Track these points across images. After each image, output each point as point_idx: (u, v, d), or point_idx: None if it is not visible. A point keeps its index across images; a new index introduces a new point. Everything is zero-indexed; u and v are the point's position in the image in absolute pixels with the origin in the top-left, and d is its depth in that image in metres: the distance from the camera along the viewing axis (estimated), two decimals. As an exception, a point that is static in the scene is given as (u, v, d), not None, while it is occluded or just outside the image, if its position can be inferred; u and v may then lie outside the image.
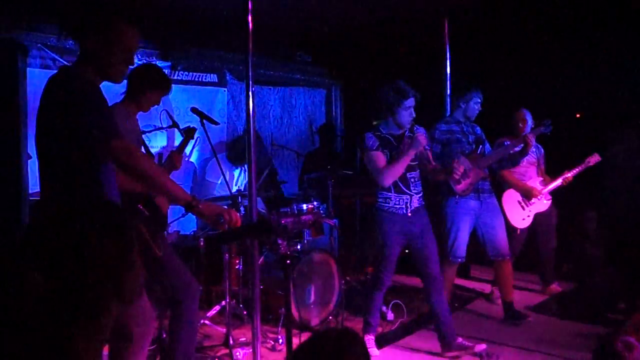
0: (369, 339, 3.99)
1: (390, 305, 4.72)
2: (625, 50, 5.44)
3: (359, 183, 5.53)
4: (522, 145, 4.50)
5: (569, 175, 5.10)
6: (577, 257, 5.72)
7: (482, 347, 3.92)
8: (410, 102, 3.74)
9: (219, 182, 5.20)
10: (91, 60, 2.31)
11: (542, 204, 5.17)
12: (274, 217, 4.19)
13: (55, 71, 2.41)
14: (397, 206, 3.81)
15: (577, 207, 5.77)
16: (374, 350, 3.96)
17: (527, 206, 5.14)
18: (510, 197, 5.14)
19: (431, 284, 3.89)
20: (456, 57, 5.60)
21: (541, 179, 5.24)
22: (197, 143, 5.40)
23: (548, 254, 5.41)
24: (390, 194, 3.81)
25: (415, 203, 3.86)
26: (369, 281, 3.99)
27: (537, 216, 5.17)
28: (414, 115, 3.79)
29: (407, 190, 3.82)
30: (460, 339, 3.97)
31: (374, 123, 7.30)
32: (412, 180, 3.85)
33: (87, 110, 2.21)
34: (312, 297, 4.49)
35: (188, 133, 3.91)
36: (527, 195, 5.09)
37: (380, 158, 3.77)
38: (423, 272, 3.92)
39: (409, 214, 3.83)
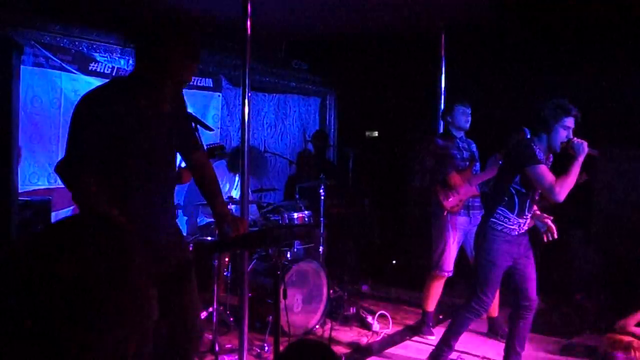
0: None
1: (376, 316, 4.75)
2: (625, 69, 5.47)
3: (350, 193, 5.55)
4: None
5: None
6: (562, 274, 5.78)
7: None
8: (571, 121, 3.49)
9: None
10: (155, 67, 2.33)
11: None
12: (269, 227, 4.19)
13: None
14: (512, 227, 3.61)
15: (563, 225, 5.82)
16: None
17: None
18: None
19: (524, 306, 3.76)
20: (451, 71, 5.63)
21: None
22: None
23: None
24: (511, 214, 3.59)
25: (527, 225, 3.71)
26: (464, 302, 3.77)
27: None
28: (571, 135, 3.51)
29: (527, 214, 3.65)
30: None
31: (367, 134, 7.37)
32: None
33: (70, 134, 2.32)
34: (300, 306, 4.51)
35: (211, 152, 3.66)
36: None
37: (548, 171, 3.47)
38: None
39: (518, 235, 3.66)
